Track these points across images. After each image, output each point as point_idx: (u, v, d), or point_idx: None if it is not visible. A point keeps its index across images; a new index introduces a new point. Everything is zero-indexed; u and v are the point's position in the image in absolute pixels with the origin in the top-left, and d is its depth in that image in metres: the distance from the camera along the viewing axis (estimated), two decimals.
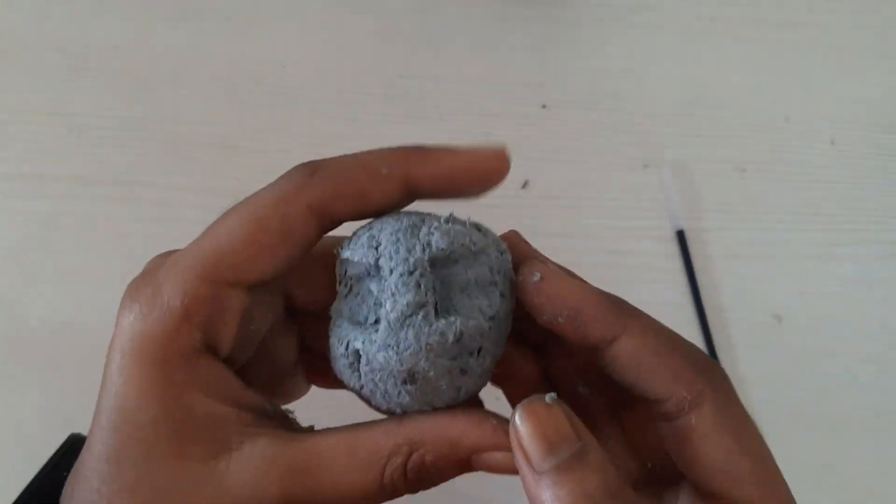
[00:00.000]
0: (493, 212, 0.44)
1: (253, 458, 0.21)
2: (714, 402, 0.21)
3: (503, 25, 0.45)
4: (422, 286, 0.21)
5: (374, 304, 0.22)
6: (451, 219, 0.23)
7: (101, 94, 0.45)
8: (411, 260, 0.21)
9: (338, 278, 0.23)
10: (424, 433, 0.22)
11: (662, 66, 0.45)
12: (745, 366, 0.42)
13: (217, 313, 0.22)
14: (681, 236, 0.43)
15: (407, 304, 0.21)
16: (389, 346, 0.21)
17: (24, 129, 0.45)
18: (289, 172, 0.24)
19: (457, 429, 0.22)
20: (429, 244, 0.22)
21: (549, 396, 0.21)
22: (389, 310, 0.21)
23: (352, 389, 0.23)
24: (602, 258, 0.43)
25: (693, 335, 0.42)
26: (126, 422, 0.21)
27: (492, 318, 0.22)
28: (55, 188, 0.44)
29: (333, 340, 0.23)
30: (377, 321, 0.22)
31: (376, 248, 0.22)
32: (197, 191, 0.44)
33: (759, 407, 0.41)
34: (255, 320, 0.23)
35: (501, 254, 0.23)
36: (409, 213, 0.23)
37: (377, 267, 0.22)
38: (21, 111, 0.45)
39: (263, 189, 0.23)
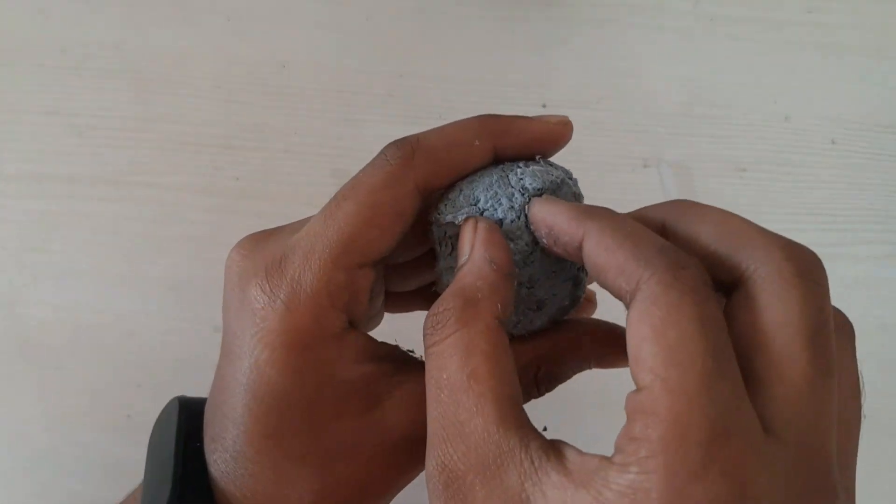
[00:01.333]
0: None
1: (403, 401, 0.24)
2: (645, 291, 0.20)
3: (503, 25, 0.45)
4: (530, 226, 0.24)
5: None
6: (527, 161, 0.25)
7: (101, 94, 0.45)
8: (516, 206, 0.24)
9: (437, 240, 0.25)
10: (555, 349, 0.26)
11: (662, 65, 0.45)
12: None
13: (353, 294, 0.24)
14: None
15: (526, 244, 0.24)
16: (521, 283, 0.24)
17: (23, 128, 0.45)
18: (387, 152, 0.26)
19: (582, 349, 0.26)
20: (523, 187, 0.24)
21: (460, 215, 0.24)
22: (514, 252, 0.23)
23: None
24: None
25: None
26: (283, 402, 0.24)
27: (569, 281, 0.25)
28: (55, 188, 0.44)
29: (440, 269, 0.25)
30: None
31: (476, 205, 0.24)
32: (197, 190, 0.44)
33: None
34: (378, 288, 0.26)
35: (573, 179, 0.26)
36: (489, 169, 0.25)
37: (476, 207, 0.24)
38: (21, 111, 0.45)
39: (368, 172, 0.25)
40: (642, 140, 0.44)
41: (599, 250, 0.22)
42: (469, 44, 0.45)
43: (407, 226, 0.25)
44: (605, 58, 0.45)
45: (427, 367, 0.21)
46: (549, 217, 0.23)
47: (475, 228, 0.23)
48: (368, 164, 0.26)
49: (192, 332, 0.45)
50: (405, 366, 0.25)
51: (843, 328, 0.24)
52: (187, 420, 0.27)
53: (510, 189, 0.24)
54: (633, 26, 0.45)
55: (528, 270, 0.24)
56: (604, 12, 0.45)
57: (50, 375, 0.45)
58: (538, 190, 0.24)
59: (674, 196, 0.43)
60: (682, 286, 0.19)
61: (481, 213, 0.24)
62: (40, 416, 0.45)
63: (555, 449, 0.20)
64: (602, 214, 0.23)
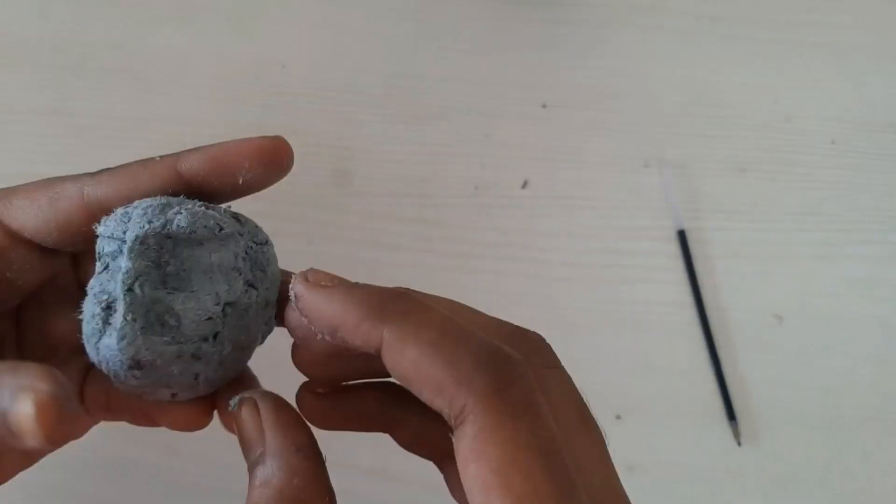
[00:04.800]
0: (493, 212, 0.44)
1: None
2: (473, 421, 0.17)
3: (503, 25, 0.45)
4: (147, 258, 0.20)
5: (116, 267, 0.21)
6: (209, 206, 0.22)
7: (101, 94, 0.45)
8: (145, 230, 0.21)
9: (97, 256, 0.22)
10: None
11: (663, 65, 0.45)
12: (746, 365, 0.42)
13: None
14: (682, 236, 0.43)
15: (126, 272, 0.20)
16: (114, 329, 0.20)
17: (24, 128, 0.45)
18: None
19: None
20: (170, 221, 0.21)
21: (233, 401, 0.21)
22: (117, 286, 0.20)
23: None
24: (602, 258, 0.43)
25: (694, 335, 0.42)
26: None
27: (229, 304, 0.21)
28: None
29: (84, 315, 0.21)
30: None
31: (126, 223, 0.21)
32: None
33: (759, 406, 0.41)
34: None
35: (258, 244, 0.23)
36: (170, 197, 0.22)
37: (124, 241, 0.21)
38: (21, 111, 0.45)
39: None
40: (643, 140, 0.44)
41: (406, 364, 0.18)
42: (469, 44, 0.45)
43: (62, 220, 0.23)
44: (605, 58, 0.45)
45: None
46: (333, 316, 0.19)
47: (256, 411, 0.20)
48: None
49: None
50: None
51: (539, 352, 0.22)
52: None
53: (161, 217, 0.21)
54: (633, 26, 0.45)
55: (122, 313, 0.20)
56: (604, 13, 0.45)
57: None
58: (182, 229, 0.21)
59: (674, 195, 0.43)
60: (513, 410, 0.17)
61: (125, 232, 0.21)
62: None
63: None
64: (402, 313, 0.19)
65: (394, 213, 0.44)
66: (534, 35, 0.45)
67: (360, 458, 0.39)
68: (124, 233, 0.21)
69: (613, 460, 0.20)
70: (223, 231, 0.21)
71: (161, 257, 0.21)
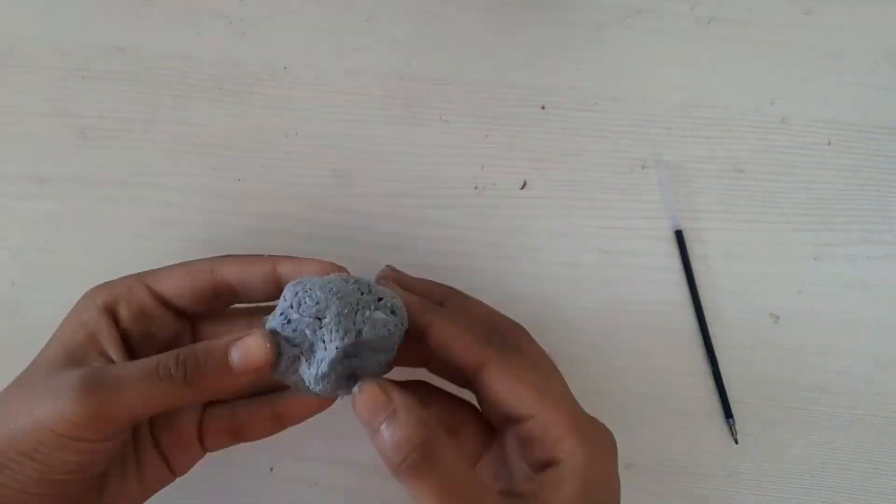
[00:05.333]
0: (493, 212, 0.44)
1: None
2: (496, 360, 0.31)
3: (503, 28, 0.46)
4: (343, 357, 0.30)
5: (316, 340, 0.30)
6: (379, 301, 0.31)
7: (105, 96, 0.45)
8: (345, 342, 0.29)
9: (279, 312, 0.30)
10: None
11: (660, 67, 0.46)
12: (743, 364, 0.42)
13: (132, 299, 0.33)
14: (679, 236, 0.43)
15: (337, 350, 0.30)
16: (319, 381, 0.30)
17: (27, 130, 0.45)
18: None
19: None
20: (360, 333, 0.30)
21: (355, 388, 0.29)
22: (322, 357, 0.30)
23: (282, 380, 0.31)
24: (600, 258, 0.44)
25: (691, 334, 0.42)
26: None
27: (383, 366, 0.32)
28: (59, 189, 0.45)
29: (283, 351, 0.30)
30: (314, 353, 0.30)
31: (314, 305, 0.30)
32: (200, 192, 0.45)
33: (756, 405, 0.42)
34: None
35: (401, 324, 0.31)
36: (352, 291, 0.31)
37: (316, 318, 0.30)
38: (25, 112, 0.45)
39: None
40: (641, 141, 0.45)
41: (447, 335, 0.32)
42: (468, 46, 0.45)
43: (198, 300, 0.34)
44: (603, 60, 0.45)
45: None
46: (423, 319, 0.32)
47: (380, 386, 0.29)
48: None
49: None
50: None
51: (517, 330, 0.35)
52: None
53: (350, 326, 0.30)
54: (631, 29, 0.45)
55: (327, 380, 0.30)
56: (602, 16, 0.46)
57: None
58: (368, 339, 0.30)
59: (672, 196, 0.44)
60: (516, 356, 0.32)
61: (319, 325, 0.30)
62: None
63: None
64: (451, 300, 0.36)
65: (394, 213, 0.44)
66: (533, 37, 0.45)
67: (360, 458, 0.40)
68: (318, 316, 0.30)
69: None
70: (388, 331, 0.31)
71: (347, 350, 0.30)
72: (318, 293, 0.30)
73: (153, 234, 0.44)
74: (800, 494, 0.41)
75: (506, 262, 0.43)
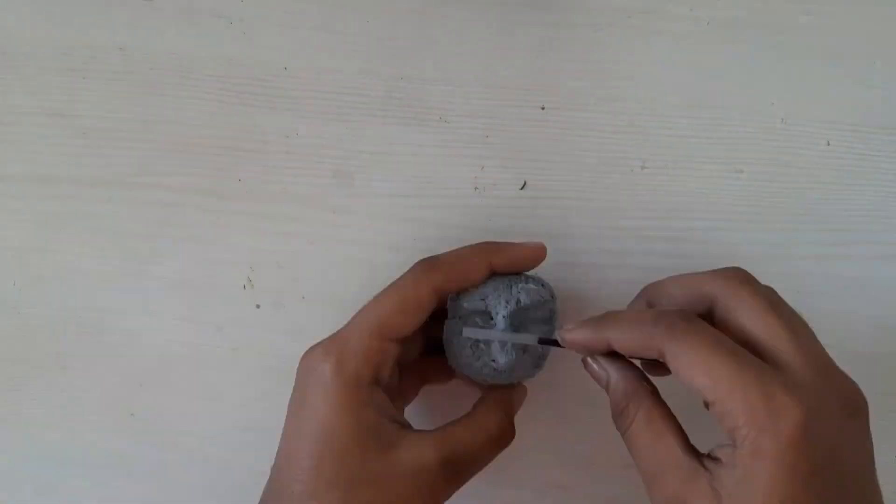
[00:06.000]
0: (494, 212, 0.45)
1: (412, 447, 0.33)
2: (668, 350, 0.31)
3: (502, 28, 0.46)
4: (513, 324, 0.37)
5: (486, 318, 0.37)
6: (526, 278, 0.37)
7: (106, 96, 0.45)
8: (509, 309, 0.36)
9: (450, 314, 0.37)
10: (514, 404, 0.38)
11: (660, 68, 0.46)
12: None
13: (383, 359, 0.34)
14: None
15: (505, 329, 0.36)
16: (496, 357, 0.36)
17: (28, 130, 0.45)
18: (417, 265, 0.36)
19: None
20: (518, 300, 0.36)
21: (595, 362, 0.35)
22: (498, 337, 0.36)
23: (460, 371, 0.37)
24: (600, 259, 0.44)
25: None
26: (327, 432, 0.32)
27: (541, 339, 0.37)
28: (59, 189, 0.45)
29: (461, 342, 0.36)
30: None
31: (484, 300, 0.36)
32: (200, 192, 0.45)
33: None
34: (403, 356, 0.36)
35: (553, 298, 0.38)
36: (499, 278, 0.37)
37: (486, 312, 0.37)
38: (26, 112, 0.45)
39: (403, 277, 0.35)
40: (640, 142, 0.45)
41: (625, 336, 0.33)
42: (468, 47, 0.45)
43: (425, 316, 0.35)
44: (602, 61, 0.45)
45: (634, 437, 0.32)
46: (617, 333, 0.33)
47: (598, 363, 0.34)
48: (405, 273, 0.36)
49: (195, 332, 0.45)
50: (404, 427, 0.35)
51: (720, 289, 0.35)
52: None
53: (509, 296, 0.36)
54: (630, 29, 0.45)
55: (505, 351, 0.36)
56: (601, 16, 0.46)
57: (54, 375, 0.45)
58: (527, 304, 0.36)
59: (672, 196, 0.44)
60: (691, 337, 0.31)
61: (486, 307, 0.36)
62: (44, 416, 0.45)
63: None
64: (617, 317, 0.34)
65: (394, 213, 0.44)
66: (532, 38, 0.46)
67: None
68: (486, 307, 0.36)
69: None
70: (542, 299, 0.37)
71: (514, 319, 0.37)
72: (474, 288, 0.37)
73: (154, 233, 0.44)
74: None
75: None
